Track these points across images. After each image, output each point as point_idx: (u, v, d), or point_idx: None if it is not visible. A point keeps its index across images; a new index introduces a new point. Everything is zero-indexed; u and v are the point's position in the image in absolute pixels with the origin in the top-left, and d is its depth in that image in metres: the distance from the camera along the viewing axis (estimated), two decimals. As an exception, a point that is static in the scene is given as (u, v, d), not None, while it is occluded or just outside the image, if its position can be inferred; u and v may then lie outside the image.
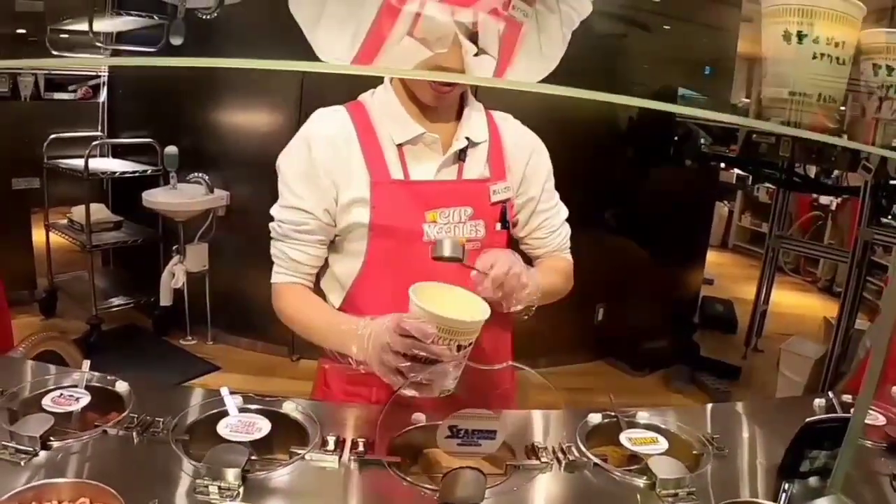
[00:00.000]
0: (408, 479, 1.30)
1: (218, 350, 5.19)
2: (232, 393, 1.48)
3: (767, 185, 7.95)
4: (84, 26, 4.84)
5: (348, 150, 1.60)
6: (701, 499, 1.32)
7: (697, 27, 5.49)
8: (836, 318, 4.38)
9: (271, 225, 1.68)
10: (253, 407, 1.48)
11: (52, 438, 1.32)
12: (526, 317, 1.58)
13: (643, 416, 1.61)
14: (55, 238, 5.57)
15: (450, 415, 1.26)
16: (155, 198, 4.95)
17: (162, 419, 1.41)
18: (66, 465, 1.28)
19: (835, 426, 1.33)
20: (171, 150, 5.04)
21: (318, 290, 1.75)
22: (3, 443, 1.29)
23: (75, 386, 1.52)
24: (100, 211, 5.39)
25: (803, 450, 1.36)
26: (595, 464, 1.41)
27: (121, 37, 5.56)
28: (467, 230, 1.63)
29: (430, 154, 1.64)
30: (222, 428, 1.38)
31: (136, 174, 5.30)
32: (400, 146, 1.62)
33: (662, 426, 1.57)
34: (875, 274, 6.41)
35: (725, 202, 9.73)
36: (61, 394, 1.48)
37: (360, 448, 1.37)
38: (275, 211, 1.67)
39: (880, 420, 1.67)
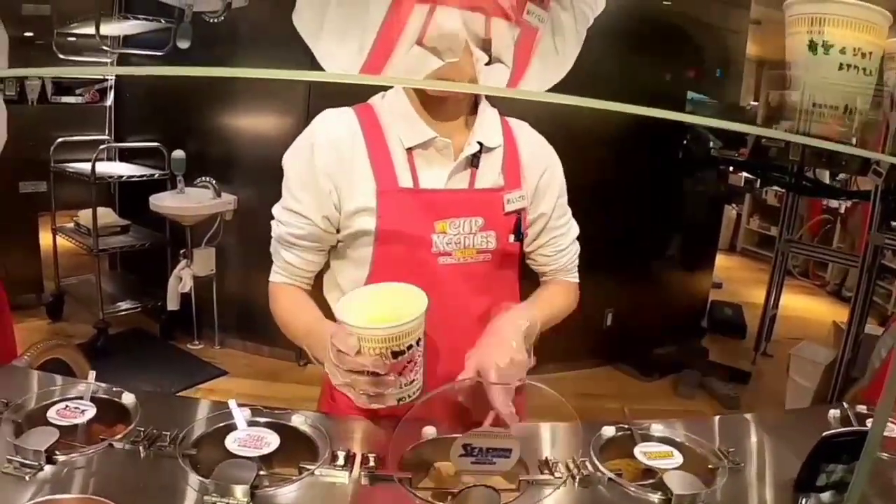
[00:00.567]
0: (419, 495, 1.28)
1: (225, 355, 5.19)
2: (240, 405, 1.46)
3: (776, 188, 7.93)
4: (91, 30, 4.85)
5: (353, 155, 1.55)
6: (717, 514, 1.30)
7: (706, 29, 5.47)
8: (846, 323, 4.36)
9: (272, 223, 1.66)
10: (261, 420, 1.46)
11: (57, 452, 1.30)
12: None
13: (657, 429, 1.58)
14: (62, 242, 5.57)
15: (463, 432, 1.24)
16: (162, 202, 4.95)
17: (169, 432, 1.39)
18: (71, 480, 1.25)
19: (852, 440, 1.31)
20: (179, 154, 5.04)
21: (321, 297, 1.72)
22: (8, 457, 1.26)
23: (81, 398, 1.49)
24: (107, 215, 5.39)
25: (820, 464, 1.34)
26: (609, 479, 1.38)
27: (128, 40, 5.57)
28: (478, 241, 1.59)
29: (442, 160, 1.58)
30: (230, 442, 1.35)
31: (144, 178, 5.30)
32: (410, 150, 1.57)
33: (677, 439, 1.55)
34: (885, 278, 6.40)
35: (734, 205, 9.70)
36: (66, 406, 1.46)
37: (371, 463, 1.35)
38: (276, 210, 1.65)
39: (897, 432, 1.64)
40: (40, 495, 1.19)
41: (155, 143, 5.32)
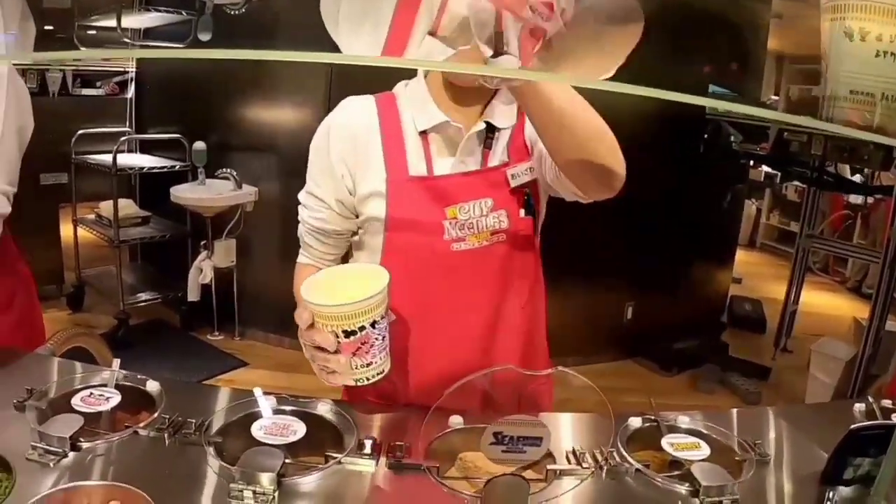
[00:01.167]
0: (447, 484, 1.27)
1: (245, 346, 5.21)
2: (265, 393, 1.46)
3: (797, 183, 7.88)
4: (112, 22, 4.87)
5: (367, 142, 1.56)
6: (744, 506, 1.28)
7: (727, 23, 5.43)
8: (866, 319, 4.33)
9: (298, 207, 1.68)
10: (287, 408, 1.45)
11: (81, 439, 1.30)
12: None
13: (684, 421, 1.56)
14: (83, 233, 5.61)
15: (493, 421, 1.23)
16: (183, 193, 4.97)
17: (194, 420, 1.38)
18: (95, 467, 1.25)
19: (880, 433, 1.29)
20: (200, 145, 5.05)
21: None
22: (32, 443, 1.26)
23: (105, 385, 1.49)
24: (128, 206, 5.42)
25: (847, 457, 1.33)
26: (637, 470, 1.37)
27: (149, 33, 5.59)
28: (490, 222, 1.56)
29: (455, 145, 1.58)
30: (256, 430, 1.35)
31: (165, 169, 5.33)
32: (425, 136, 1.57)
33: (704, 431, 1.53)
34: (907, 275, 6.32)
35: (753, 200, 9.65)
36: (91, 393, 1.46)
37: (398, 452, 1.34)
38: (301, 195, 1.67)
39: (925, 425, 1.62)
40: (64, 482, 1.19)
41: (176, 135, 5.35)
